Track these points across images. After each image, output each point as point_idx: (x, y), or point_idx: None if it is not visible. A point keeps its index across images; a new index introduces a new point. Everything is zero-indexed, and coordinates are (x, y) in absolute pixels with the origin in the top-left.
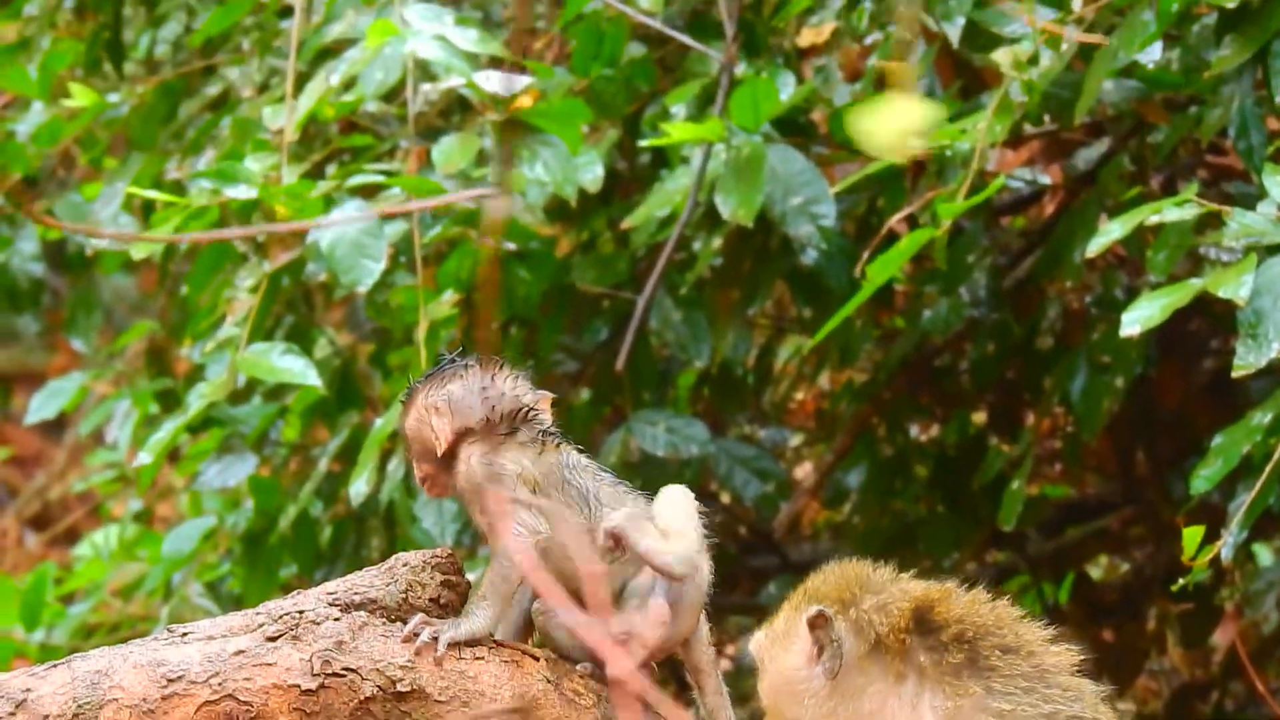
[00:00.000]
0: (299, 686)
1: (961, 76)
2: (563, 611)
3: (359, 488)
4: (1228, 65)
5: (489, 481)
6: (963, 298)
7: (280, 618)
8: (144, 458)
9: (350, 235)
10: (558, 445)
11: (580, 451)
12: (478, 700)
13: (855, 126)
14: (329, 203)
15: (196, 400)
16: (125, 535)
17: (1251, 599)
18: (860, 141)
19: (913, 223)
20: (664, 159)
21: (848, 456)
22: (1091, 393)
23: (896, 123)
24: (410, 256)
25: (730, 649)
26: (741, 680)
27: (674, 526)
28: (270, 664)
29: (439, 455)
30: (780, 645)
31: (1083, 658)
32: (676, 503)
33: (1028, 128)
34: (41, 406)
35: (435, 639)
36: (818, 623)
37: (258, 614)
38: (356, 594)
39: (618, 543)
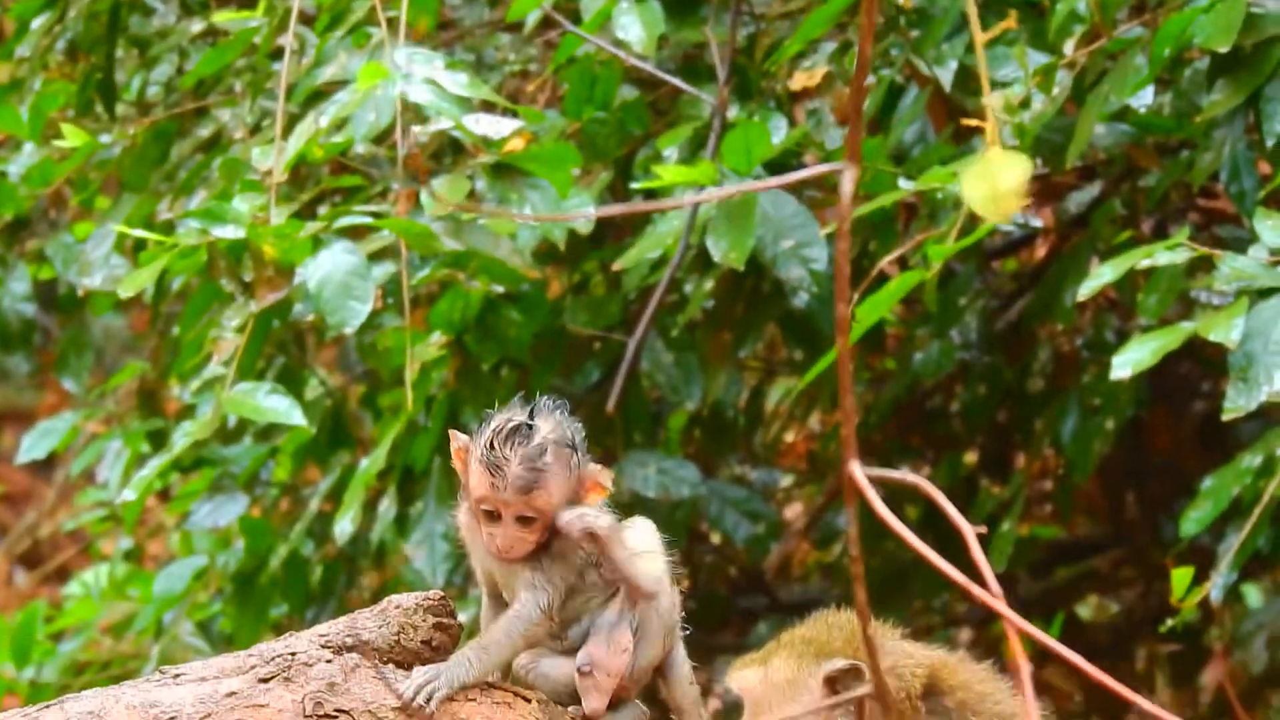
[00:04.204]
0: None
1: (953, 120)
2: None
3: (344, 527)
4: (1220, 110)
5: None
6: (954, 340)
7: (272, 659)
8: (128, 495)
9: (337, 276)
10: None
11: None
12: None
13: (964, 186)
14: (317, 243)
15: (182, 439)
16: (115, 574)
17: (1240, 640)
18: (969, 200)
19: (904, 265)
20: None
21: (838, 497)
22: (1082, 435)
23: (1001, 181)
24: (399, 298)
25: (719, 689)
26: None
27: (643, 548)
28: (263, 705)
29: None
30: (783, 694)
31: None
32: (645, 530)
33: None
34: (32, 446)
35: (430, 697)
36: (840, 679)
37: (250, 655)
38: (349, 636)
39: (592, 540)
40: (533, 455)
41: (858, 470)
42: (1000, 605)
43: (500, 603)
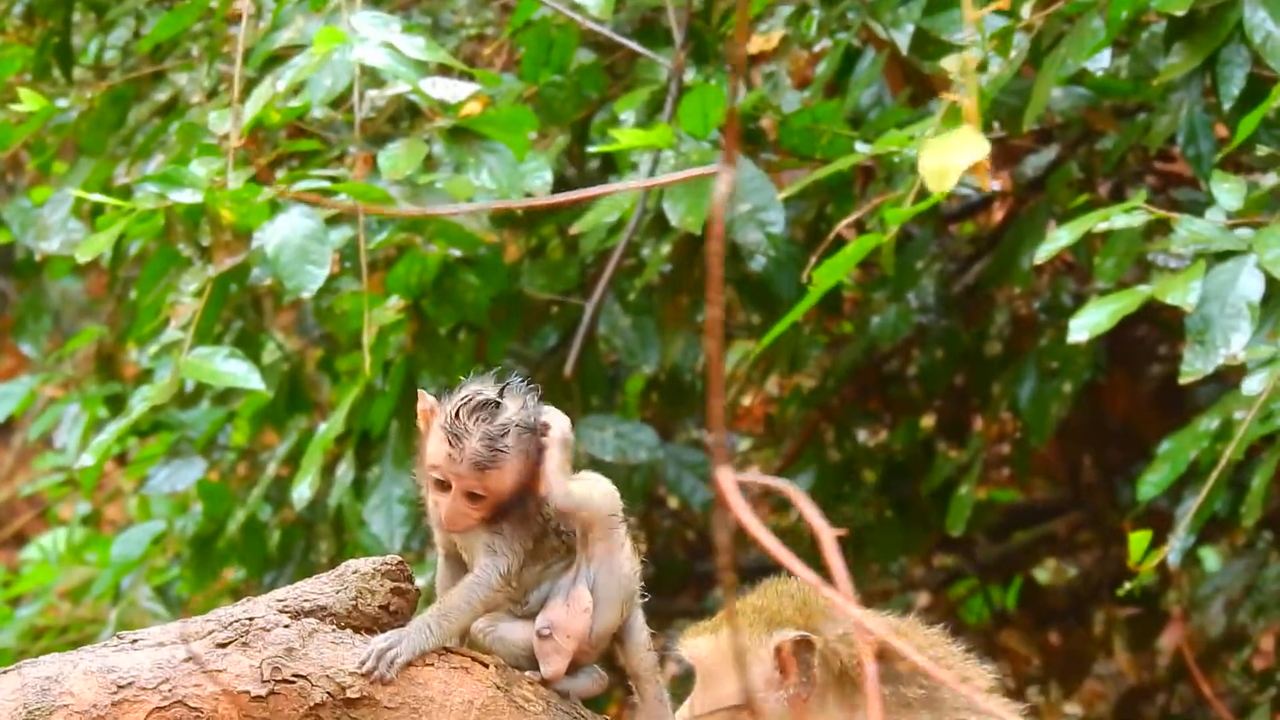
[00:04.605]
0: (249, 693)
1: (910, 83)
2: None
3: (302, 492)
4: (1176, 73)
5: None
6: (911, 304)
7: (230, 624)
8: (86, 459)
9: (295, 240)
10: None
11: None
12: (427, 706)
13: (920, 154)
14: (275, 207)
15: (139, 403)
16: (73, 539)
17: (1197, 603)
18: (921, 168)
19: (861, 229)
20: (613, 165)
21: (796, 461)
22: (1040, 399)
23: (955, 157)
24: (356, 262)
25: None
26: (688, 685)
27: (585, 479)
28: (220, 670)
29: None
30: (734, 663)
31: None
32: (597, 477)
33: None
34: None
35: (393, 661)
36: (792, 649)
37: (208, 621)
38: (306, 601)
39: (544, 432)
40: (494, 434)
41: (728, 477)
42: (850, 606)
43: (458, 564)
